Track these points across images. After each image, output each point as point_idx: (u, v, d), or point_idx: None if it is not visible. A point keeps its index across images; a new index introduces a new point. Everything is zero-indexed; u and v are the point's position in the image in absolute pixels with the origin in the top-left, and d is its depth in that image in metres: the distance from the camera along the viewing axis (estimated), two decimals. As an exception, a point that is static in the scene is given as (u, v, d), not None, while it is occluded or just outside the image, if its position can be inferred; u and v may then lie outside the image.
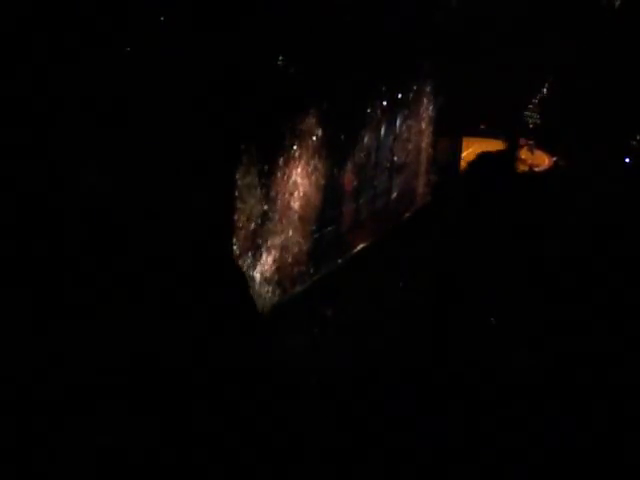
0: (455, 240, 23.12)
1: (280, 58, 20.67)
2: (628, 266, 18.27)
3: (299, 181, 20.99)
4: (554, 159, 31.97)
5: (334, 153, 22.18)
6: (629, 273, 18.17)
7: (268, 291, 19.10)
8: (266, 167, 19.17)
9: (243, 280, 15.98)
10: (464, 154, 31.04)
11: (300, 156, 20.94)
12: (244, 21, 16.51)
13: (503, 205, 23.96)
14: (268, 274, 19.29)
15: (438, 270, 21.38)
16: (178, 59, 14.57)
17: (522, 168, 30.97)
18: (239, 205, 17.96)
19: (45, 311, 10.43)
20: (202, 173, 14.81)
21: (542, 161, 32.32)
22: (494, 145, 32.89)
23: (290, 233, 20.73)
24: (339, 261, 23.11)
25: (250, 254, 18.56)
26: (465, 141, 31.04)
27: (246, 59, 16.74)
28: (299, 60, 20.40)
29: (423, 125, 27.32)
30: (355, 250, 23.77)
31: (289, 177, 20.50)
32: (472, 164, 25.56)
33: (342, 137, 22.57)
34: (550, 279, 18.80)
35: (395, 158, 26.04)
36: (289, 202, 20.67)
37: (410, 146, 26.77)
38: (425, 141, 27.62)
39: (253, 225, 18.88)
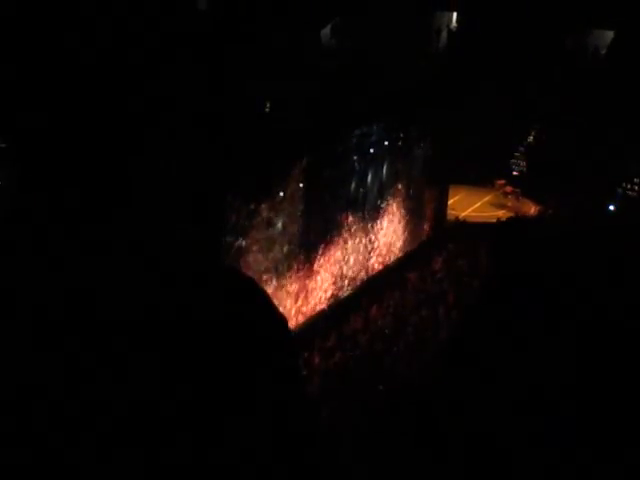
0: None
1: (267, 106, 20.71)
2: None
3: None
4: (540, 206, 31.98)
5: (317, 199, 22.20)
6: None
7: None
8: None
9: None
10: (451, 201, 31.07)
11: (283, 203, 20.94)
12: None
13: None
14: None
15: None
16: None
17: (508, 215, 30.96)
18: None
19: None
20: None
21: (528, 208, 32.31)
22: (481, 193, 32.99)
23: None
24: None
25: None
26: (452, 189, 31.06)
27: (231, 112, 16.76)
28: (285, 109, 20.44)
29: (410, 173, 27.29)
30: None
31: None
32: None
33: (326, 185, 22.56)
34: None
35: (380, 205, 25.94)
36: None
37: (396, 193, 26.69)
38: (412, 189, 27.57)
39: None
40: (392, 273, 26.06)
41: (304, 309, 22.27)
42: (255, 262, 19.93)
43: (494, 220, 29.44)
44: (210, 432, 7.44)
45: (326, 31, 27.28)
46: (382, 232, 26.16)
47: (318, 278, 22.83)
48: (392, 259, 26.93)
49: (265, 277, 20.32)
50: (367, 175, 24.84)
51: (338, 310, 23.29)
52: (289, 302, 21.50)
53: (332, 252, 23.41)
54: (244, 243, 19.49)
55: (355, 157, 23.98)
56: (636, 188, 31.65)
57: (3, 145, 17.79)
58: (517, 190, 32.93)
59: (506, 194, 32.98)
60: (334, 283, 23.73)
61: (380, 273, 26.05)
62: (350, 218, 24.15)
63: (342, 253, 23.97)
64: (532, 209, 32.13)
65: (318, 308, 22.88)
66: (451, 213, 30.75)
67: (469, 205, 32.08)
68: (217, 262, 15.85)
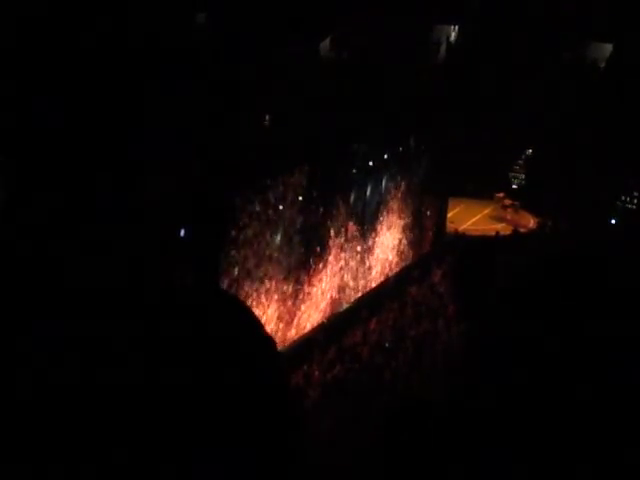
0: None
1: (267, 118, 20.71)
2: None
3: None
4: (539, 219, 31.93)
5: (316, 212, 22.20)
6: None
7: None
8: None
9: None
10: (450, 214, 31.00)
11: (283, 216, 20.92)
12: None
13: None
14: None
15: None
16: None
17: (507, 228, 30.93)
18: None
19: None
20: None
21: (527, 221, 32.26)
22: (480, 205, 32.93)
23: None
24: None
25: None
26: (451, 201, 31.00)
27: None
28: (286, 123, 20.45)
29: (410, 186, 27.25)
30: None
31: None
32: None
33: (325, 198, 22.55)
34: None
35: (380, 218, 25.90)
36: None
37: (396, 206, 26.65)
38: (412, 202, 27.53)
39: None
40: (392, 286, 25.98)
41: (300, 323, 22.22)
42: (252, 273, 19.89)
43: (493, 233, 29.40)
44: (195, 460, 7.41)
45: (325, 44, 27.28)
46: (382, 245, 26.10)
47: (316, 290, 22.77)
48: (392, 272, 26.87)
49: (261, 288, 20.26)
50: (367, 188, 24.80)
51: (337, 323, 23.22)
52: (283, 317, 21.47)
53: (330, 265, 23.35)
54: (242, 256, 19.47)
55: (354, 170, 23.96)
56: (635, 201, 31.65)
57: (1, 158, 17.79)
58: (516, 203, 32.89)
59: (505, 207, 32.93)
60: (332, 296, 23.67)
61: (380, 286, 25.98)
62: (349, 231, 24.10)
63: (341, 266, 23.92)
64: (531, 222, 32.08)
65: (316, 321, 22.82)
66: (450, 226, 30.67)
67: (468, 218, 32.01)
68: (212, 279, 15.84)
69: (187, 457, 8.35)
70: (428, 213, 28.84)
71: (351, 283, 24.67)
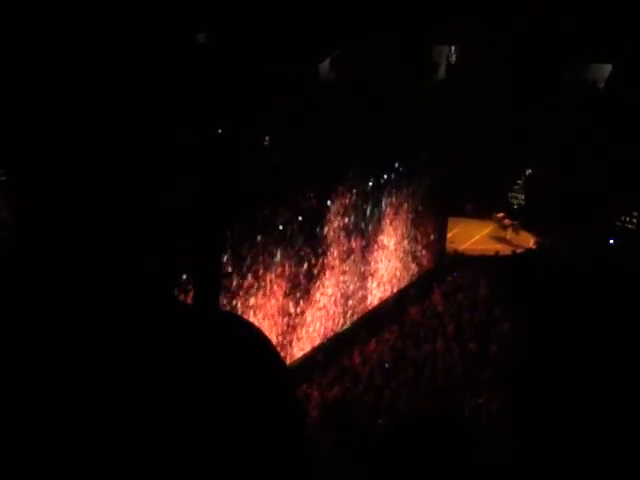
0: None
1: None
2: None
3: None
4: (538, 239, 31.93)
5: (315, 233, 22.23)
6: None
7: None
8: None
9: None
10: (450, 234, 31.02)
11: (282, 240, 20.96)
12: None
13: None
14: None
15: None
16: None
17: (507, 248, 30.92)
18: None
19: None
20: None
21: (527, 241, 32.26)
22: (480, 225, 32.95)
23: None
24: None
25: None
26: (451, 221, 31.03)
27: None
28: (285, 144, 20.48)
29: (409, 206, 27.29)
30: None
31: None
32: None
33: (324, 219, 22.58)
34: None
35: (379, 238, 25.92)
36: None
37: (395, 226, 26.68)
38: (411, 222, 27.56)
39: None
40: (391, 306, 25.97)
41: (299, 343, 22.21)
42: (249, 292, 19.93)
43: (493, 253, 29.38)
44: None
45: (325, 65, 27.37)
46: (381, 265, 26.12)
47: (315, 310, 22.77)
48: (391, 292, 26.86)
49: (257, 306, 20.28)
50: (366, 208, 24.85)
51: (336, 343, 23.21)
52: (282, 333, 21.46)
53: (330, 285, 23.36)
54: (242, 278, 19.48)
55: (354, 191, 24.01)
56: (634, 221, 31.63)
57: (3, 178, 17.81)
58: (515, 223, 32.86)
59: (505, 227, 32.91)
60: (331, 316, 23.67)
61: (379, 306, 25.97)
62: (348, 251, 24.12)
63: (340, 286, 23.93)
64: (531, 242, 32.07)
65: (315, 341, 22.82)
66: (450, 246, 30.68)
67: (468, 238, 32.02)
68: (214, 302, 15.80)
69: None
70: (428, 233, 28.88)
71: (350, 303, 24.67)
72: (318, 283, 22.79)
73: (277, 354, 1.74)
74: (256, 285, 20.15)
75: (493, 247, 30.62)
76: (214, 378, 1.46)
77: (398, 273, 27.30)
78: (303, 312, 22.17)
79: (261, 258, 20.20)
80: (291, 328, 21.76)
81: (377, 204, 25.42)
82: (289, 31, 22.16)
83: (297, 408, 1.64)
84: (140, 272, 1.52)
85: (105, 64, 1.43)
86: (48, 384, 1.36)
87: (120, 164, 1.44)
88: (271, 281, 20.71)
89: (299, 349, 22.19)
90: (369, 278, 25.63)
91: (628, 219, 31.58)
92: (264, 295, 20.48)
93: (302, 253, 21.85)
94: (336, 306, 23.85)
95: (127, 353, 1.41)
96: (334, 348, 22.80)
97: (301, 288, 21.95)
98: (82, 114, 1.45)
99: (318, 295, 22.82)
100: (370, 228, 25.23)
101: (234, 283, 19.25)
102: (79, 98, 1.44)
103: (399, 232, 27.00)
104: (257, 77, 19.98)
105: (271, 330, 20.58)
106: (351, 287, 24.62)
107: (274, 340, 20.71)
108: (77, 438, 1.36)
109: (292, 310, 21.74)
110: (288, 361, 21.08)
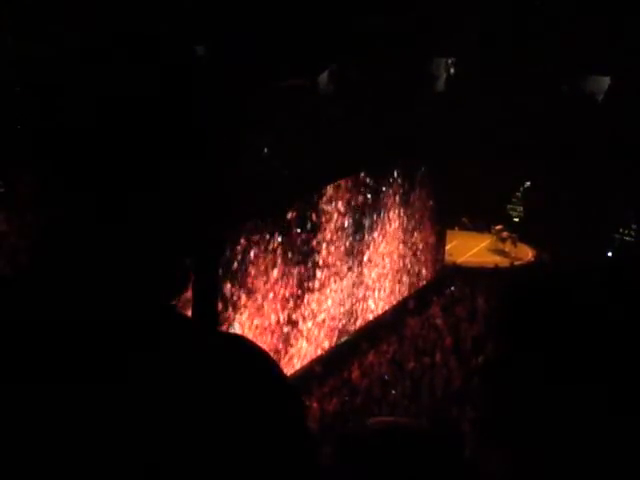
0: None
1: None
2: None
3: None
4: (536, 252, 31.93)
5: (310, 246, 22.26)
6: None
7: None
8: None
9: None
10: (448, 247, 31.02)
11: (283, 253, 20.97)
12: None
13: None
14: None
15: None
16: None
17: (506, 261, 30.93)
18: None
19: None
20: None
21: (525, 254, 32.25)
22: (478, 238, 32.96)
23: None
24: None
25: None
26: (449, 233, 31.05)
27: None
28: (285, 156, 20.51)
29: (407, 218, 27.30)
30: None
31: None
32: None
33: (319, 232, 22.60)
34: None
35: (377, 250, 25.92)
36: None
37: (393, 239, 26.69)
38: (409, 235, 27.57)
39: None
40: (390, 319, 25.96)
41: (297, 355, 22.19)
42: (246, 304, 19.91)
43: (492, 266, 29.37)
44: None
45: (324, 77, 27.44)
46: (379, 277, 26.12)
47: (312, 323, 22.76)
48: (390, 304, 26.84)
49: (254, 319, 20.27)
50: (365, 221, 24.85)
51: (335, 356, 23.18)
52: (277, 349, 21.44)
53: (327, 297, 23.36)
54: (236, 287, 19.47)
55: (353, 203, 24.02)
56: (633, 234, 31.67)
57: (2, 190, 17.74)
58: (514, 235, 32.84)
59: (503, 239, 32.89)
60: (329, 329, 23.65)
61: (377, 318, 25.95)
62: (346, 263, 24.12)
63: (338, 298, 23.92)
64: (529, 254, 32.07)
65: (313, 354, 22.79)
66: (448, 259, 30.67)
67: (466, 251, 32.02)
68: (212, 321, 15.68)
69: None
70: (427, 245, 28.88)
71: (348, 315, 24.65)
72: (316, 295, 22.78)
73: (280, 371, 1.74)
74: (252, 298, 20.14)
75: (492, 260, 30.59)
76: (214, 394, 1.46)
77: (397, 285, 27.28)
78: (301, 324, 22.16)
79: (257, 270, 20.19)
80: (289, 340, 21.74)
81: (376, 216, 25.43)
82: (288, 44, 22.22)
83: (301, 417, 1.64)
84: (144, 281, 1.52)
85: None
86: (48, 384, 1.37)
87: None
88: (268, 293, 20.70)
89: (297, 361, 22.17)
90: (368, 290, 25.61)
91: (627, 231, 31.63)
92: (260, 308, 20.47)
93: (300, 265, 21.85)
94: (334, 318, 23.83)
95: (128, 361, 1.41)
96: (332, 360, 22.76)
97: (299, 300, 21.94)
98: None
99: (316, 307, 22.81)
100: (369, 240, 25.22)
101: (228, 295, 19.22)
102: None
103: (398, 245, 26.99)
104: (256, 90, 20.02)
105: (269, 342, 20.58)
106: (350, 299, 24.60)
107: (271, 352, 20.69)
108: (75, 444, 1.36)
109: (289, 322, 21.72)
110: (286, 374, 21.02)
